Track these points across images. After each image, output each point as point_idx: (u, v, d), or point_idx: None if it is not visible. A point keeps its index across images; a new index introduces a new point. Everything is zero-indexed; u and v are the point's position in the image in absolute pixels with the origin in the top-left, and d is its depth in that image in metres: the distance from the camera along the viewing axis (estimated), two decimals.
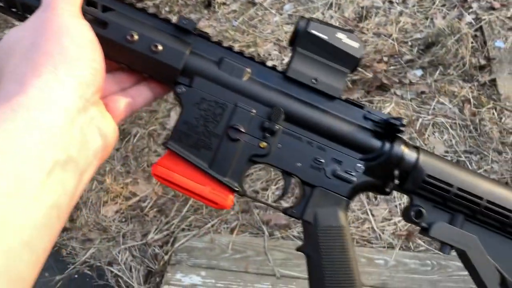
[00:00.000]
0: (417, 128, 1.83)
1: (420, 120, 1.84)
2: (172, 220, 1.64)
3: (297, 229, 1.58)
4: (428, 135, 1.80)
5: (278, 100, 0.58)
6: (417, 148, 0.60)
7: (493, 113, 1.83)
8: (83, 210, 1.67)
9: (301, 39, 0.57)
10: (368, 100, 1.92)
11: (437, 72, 1.98)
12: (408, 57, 2.05)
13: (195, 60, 0.57)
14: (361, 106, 0.60)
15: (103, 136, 0.50)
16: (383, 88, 1.95)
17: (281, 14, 2.24)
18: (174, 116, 1.97)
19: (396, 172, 0.58)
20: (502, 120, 1.82)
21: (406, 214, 0.59)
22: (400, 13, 2.23)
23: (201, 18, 2.26)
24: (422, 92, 1.93)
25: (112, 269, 1.56)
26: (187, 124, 0.58)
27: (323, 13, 2.23)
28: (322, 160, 0.59)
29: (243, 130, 0.57)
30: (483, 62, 2.00)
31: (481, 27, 2.12)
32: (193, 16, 2.26)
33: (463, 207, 0.58)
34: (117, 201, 1.70)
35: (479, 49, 2.05)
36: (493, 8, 2.20)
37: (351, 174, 0.59)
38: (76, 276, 1.58)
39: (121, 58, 0.56)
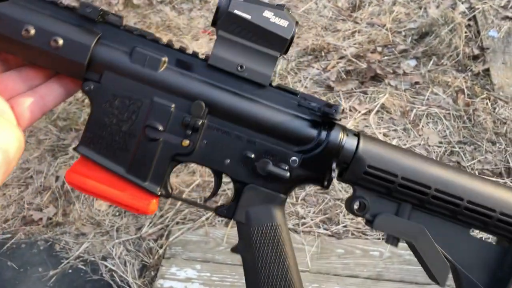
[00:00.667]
0: (411, 118, 1.82)
1: (414, 110, 1.84)
2: (166, 214, 1.63)
3: (291, 221, 1.58)
4: (422, 126, 1.80)
5: (200, 92, 0.52)
6: (357, 135, 0.55)
7: (487, 103, 1.83)
8: (76, 205, 1.66)
9: (223, 21, 0.51)
10: (362, 91, 1.91)
11: (431, 62, 1.98)
12: (401, 47, 2.04)
13: (102, 53, 0.51)
14: (295, 93, 0.55)
15: (1, 151, 0.45)
16: (377, 78, 1.94)
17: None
18: None
19: (334, 164, 0.53)
20: (496, 110, 1.82)
21: (348, 206, 0.56)
22: (394, 3, 2.22)
23: (193, 8, 2.23)
24: (416, 83, 1.92)
25: (106, 263, 1.55)
26: (98, 124, 0.52)
27: (316, 3, 2.21)
28: (252, 155, 0.54)
29: (161, 128, 0.52)
30: (476, 52, 1.99)
31: (474, 17, 2.11)
32: (185, 6, 2.23)
33: (409, 197, 0.54)
34: None
35: (473, 39, 2.05)
36: None
37: (284, 169, 0.54)
38: (70, 271, 1.56)
39: (20, 54, 0.51)
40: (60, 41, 0.50)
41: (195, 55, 0.53)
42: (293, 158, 0.54)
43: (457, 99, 1.86)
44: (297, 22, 0.52)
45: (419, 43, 2.05)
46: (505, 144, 1.73)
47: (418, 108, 1.85)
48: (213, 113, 0.53)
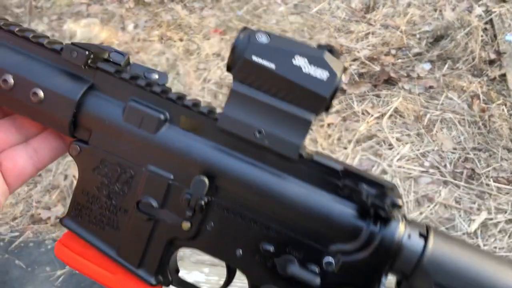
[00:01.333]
0: (425, 123, 1.79)
1: (428, 115, 1.81)
2: None
3: None
4: (436, 131, 1.76)
5: (206, 162, 0.41)
6: (424, 235, 0.39)
7: (503, 109, 1.79)
8: None
9: (239, 69, 0.39)
10: (375, 94, 1.88)
11: (446, 66, 1.94)
12: (416, 50, 2.01)
13: (90, 108, 0.42)
14: (335, 170, 0.40)
15: None
16: (390, 82, 1.91)
17: (286, 4, 2.19)
18: None
19: (384, 278, 0.39)
20: None
21: None
22: (408, 5, 2.18)
23: (204, 7, 2.21)
24: (431, 87, 1.89)
25: None
26: (86, 194, 0.44)
27: (329, 3, 2.18)
28: (271, 248, 0.41)
29: (156, 205, 0.42)
30: (493, 56, 1.96)
31: (491, 20, 2.07)
32: (197, 5, 2.21)
33: None
34: None
35: (489, 43, 2.01)
36: (504, 0, 2.15)
37: (314, 272, 0.40)
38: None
39: (4, 105, 0.44)
40: (41, 94, 0.42)
41: (205, 113, 0.42)
42: (328, 259, 0.40)
43: (472, 104, 1.83)
44: (344, 68, 0.42)
45: (434, 46, 2.01)
46: None
47: (432, 112, 1.82)
48: (222, 190, 0.41)
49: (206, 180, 0.40)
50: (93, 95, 0.43)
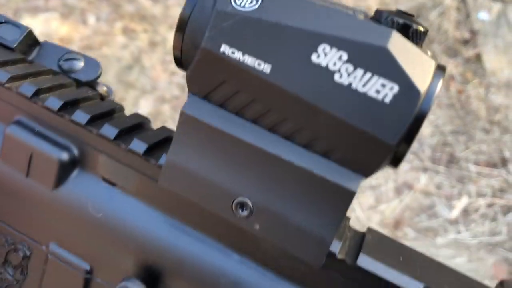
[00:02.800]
0: None
1: None
2: None
3: None
4: None
5: (144, 249, 0.25)
6: None
7: (479, 90, 1.76)
8: None
9: (196, 72, 0.21)
10: None
11: None
12: None
13: None
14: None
15: None
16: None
17: None
18: (144, 104, 1.84)
19: None
20: (489, 97, 1.75)
21: None
22: None
23: None
24: None
25: None
26: None
27: None
28: None
29: None
30: (467, 35, 1.91)
31: None
32: None
33: None
34: None
35: (463, 22, 1.96)
36: None
37: None
38: None
39: None
40: None
41: (138, 153, 0.26)
42: None
43: (449, 86, 1.78)
44: (439, 67, 0.21)
45: None
46: (499, 133, 1.66)
47: None
48: None
49: None
50: None
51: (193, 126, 0.20)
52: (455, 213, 1.51)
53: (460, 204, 1.52)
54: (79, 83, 0.29)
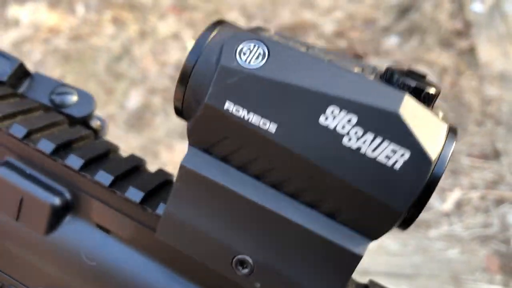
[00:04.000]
0: None
1: None
2: None
3: None
4: None
5: None
6: None
7: (472, 82, 1.75)
8: None
9: (198, 125, 0.20)
10: None
11: (414, 39, 1.87)
12: (382, 23, 1.93)
13: None
14: None
15: None
16: (357, 57, 1.83)
17: None
18: (134, 95, 1.81)
19: None
20: (482, 89, 1.74)
21: None
22: None
23: None
24: (399, 61, 1.83)
25: None
26: None
27: None
28: None
29: None
30: (460, 27, 1.90)
31: None
32: None
33: None
34: None
35: (456, 13, 1.95)
36: None
37: None
38: None
39: None
40: None
41: (134, 201, 0.24)
42: None
43: (442, 78, 1.77)
44: (451, 130, 0.20)
45: (401, 19, 1.94)
46: (492, 125, 1.66)
47: None
48: None
49: None
50: None
51: (193, 180, 0.19)
52: (448, 205, 1.50)
53: (453, 196, 1.52)
54: (72, 119, 0.27)
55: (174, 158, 1.64)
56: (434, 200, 1.52)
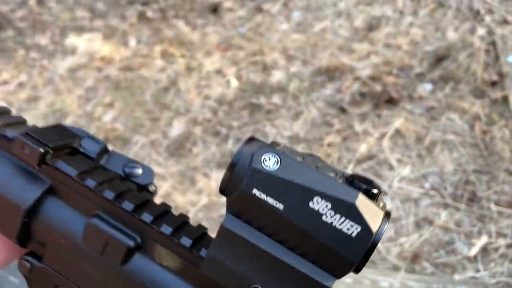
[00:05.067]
0: (426, 144, 1.78)
1: (429, 136, 1.79)
2: None
3: None
4: (437, 152, 1.75)
5: None
6: None
7: (505, 132, 1.78)
8: None
9: (234, 201, 0.31)
10: (377, 114, 1.87)
11: (448, 86, 1.93)
12: (418, 70, 2.00)
13: (45, 218, 0.35)
14: None
15: None
16: (392, 102, 1.90)
17: (289, 22, 2.19)
18: (177, 125, 1.92)
19: None
20: None
21: None
22: (411, 24, 2.18)
23: (207, 24, 2.22)
24: (432, 107, 1.88)
25: None
26: None
27: (332, 22, 2.19)
28: None
29: None
30: (495, 77, 1.95)
31: (493, 41, 2.07)
32: (199, 22, 2.22)
33: None
34: None
35: (491, 64, 2.00)
36: (506, 22, 2.15)
37: None
38: None
39: None
40: None
41: (186, 246, 0.34)
42: None
43: (474, 126, 1.81)
44: (387, 215, 0.31)
45: (435, 66, 2.00)
46: None
47: (434, 133, 1.81)
48: None
49: None
50: (51, 201, 0.35)
51: (228, 235, 0.31)
52: (474, 251, 1.52)
53: (480, 242, 1.54)
54: (138, 186, 0.40)
55: (209, 185, 1.73)
56: (460, 245, 1.54)
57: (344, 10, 2.21)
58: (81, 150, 0.37)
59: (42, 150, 0.34)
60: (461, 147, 1.76)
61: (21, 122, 0.38)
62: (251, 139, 0.31)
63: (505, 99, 1.88)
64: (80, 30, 2.36)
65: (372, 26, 2.17)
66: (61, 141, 0.36)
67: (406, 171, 1.71)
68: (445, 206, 1.62)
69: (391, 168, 1.72)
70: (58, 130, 0.37)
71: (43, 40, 2.33)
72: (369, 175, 1.71)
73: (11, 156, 0.35)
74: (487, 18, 2.15)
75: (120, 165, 0.38)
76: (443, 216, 1.60)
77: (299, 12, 2.22)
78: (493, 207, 1.61)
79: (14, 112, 0.40)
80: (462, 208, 1.62)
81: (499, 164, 1.71)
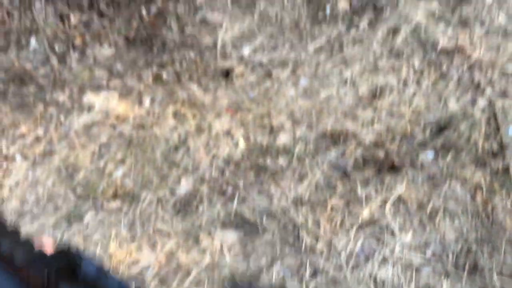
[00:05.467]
0: (428, 212, 1.80)
1: (431, 204, 1.82)
2: None
3: None
4: (439, 220, 1.77)
5: None
6: None
7: (506, 202, 1.80)
8: None
9: None
10: (379, 180, 1.91)
11: (449, 155, 1.98)
12: (420, 138, 2.06)
13: None
14: None
15: None
16: (394, 168, 1.95)
17: (296, 88, 2.29)
18: (184, 183, 1.98)
19: None
20: None
21: None
22: (414, 94, 2.27)
23: (219, 87, 2.33)
24: (434, 175, 1.92)
25: None
26: None
27: (337, 90, 2.28)
28: None
29: None
30: (496, 148, 2.00)
31: (494, 113, 2.14)
32: (212, 85, 2.33)
33: None
34: (119, 269, 1.68)
35: (492, 135, 2.06)
36: (506, 94, 2.23)
37: None
38: None
39: None
40: None
41: None
42: None
43: (475, 195, 1.84)
44: None
45: (438, 135, 2.06)
46: None
47: (435, 201, 1.83)
48: None
49: None
50: None
51: None
52: None
53: None
54: None
55: (213, 244, 1.76)
56: None
57: (350, 78, 2.31)
58: (81, 273, 0.39)
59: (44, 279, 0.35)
60: (463, 215, 1.79)
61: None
62: None
63: (506, 170, 1.92)
64: (97, 88, 2.48)
65: (376, 94, 2.26)
66: (63, 261, 0.38)
67: (408, 237, 1.72)
68: (447, 274, 1.62)
69: (393, 234, 1.74)
70: (63, 250, 0.39)
71: (61, 96, 2.44)
72: (372, 241, 1.72)
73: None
74: (488, 90, 2.23)
75: None
76: (445, 285, 1.60)
77: (306, 79, 2.32)
78: (495, 277, 1.61)
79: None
80: (464, 278, 1.62)
81: (501, 234, 1.73)
